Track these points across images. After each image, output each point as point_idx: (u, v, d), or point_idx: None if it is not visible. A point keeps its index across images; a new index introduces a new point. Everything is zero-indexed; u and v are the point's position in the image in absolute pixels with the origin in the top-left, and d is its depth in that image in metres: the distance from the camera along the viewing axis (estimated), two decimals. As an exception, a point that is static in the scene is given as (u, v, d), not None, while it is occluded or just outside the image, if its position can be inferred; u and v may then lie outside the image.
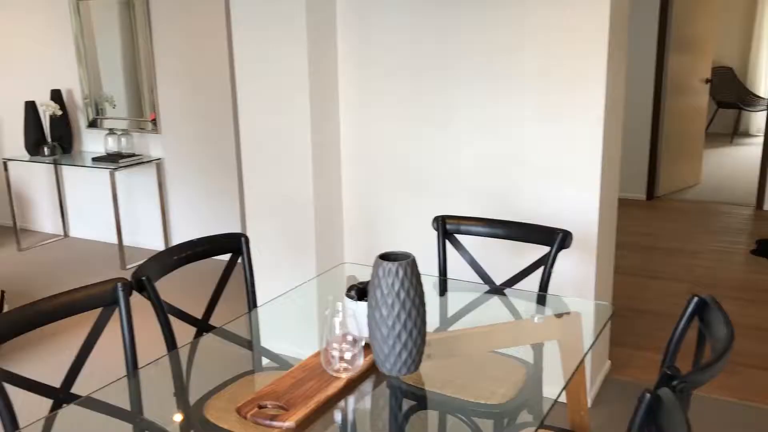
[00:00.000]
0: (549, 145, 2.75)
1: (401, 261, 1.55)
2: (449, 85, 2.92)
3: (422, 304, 1.59)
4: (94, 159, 4.86)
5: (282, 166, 3.10)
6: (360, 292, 1.72)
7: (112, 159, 4.81)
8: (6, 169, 5.17)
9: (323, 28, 3.02)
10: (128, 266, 4.79)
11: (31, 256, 5.12)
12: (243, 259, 2.25)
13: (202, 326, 2.14)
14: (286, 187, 3.11)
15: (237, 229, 4.85)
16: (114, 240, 5.37)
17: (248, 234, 3.22)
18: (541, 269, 2.28)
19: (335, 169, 3.21)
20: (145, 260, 2.00)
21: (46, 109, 5.08)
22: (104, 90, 5.12)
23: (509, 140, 2.84)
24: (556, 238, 2.23)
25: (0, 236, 5.62)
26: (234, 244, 2.25)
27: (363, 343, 1.65)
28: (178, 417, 1.68)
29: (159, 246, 5.17)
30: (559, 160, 2.74)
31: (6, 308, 3.53)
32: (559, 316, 2.21)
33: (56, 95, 5.12)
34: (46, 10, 5.18)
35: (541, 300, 2.30)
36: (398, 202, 3.15)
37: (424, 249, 3.09)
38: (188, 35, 4.65)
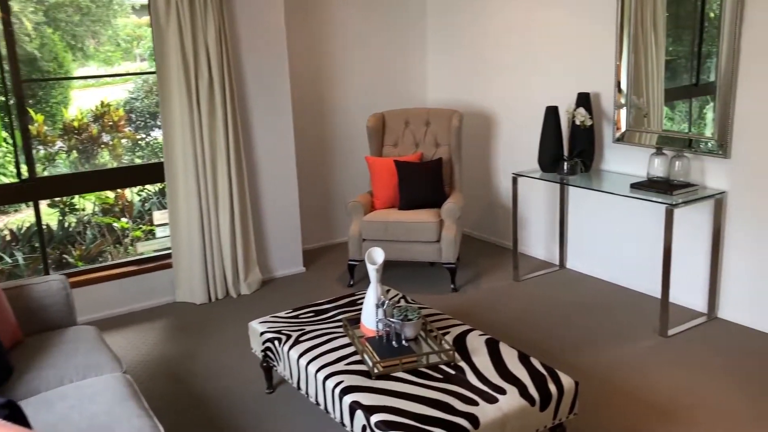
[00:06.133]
0: None
1: None
2: None
3: None
4: (634, 186, 3.76)
5: None
6: None
7: (659, 188, 3.65)
8: (515, 183, 4.40)
9: None
10: (669, 333, 3.60)
11: (530, 290, 4.29)
12: None
13: None
14: None
15: None
16: (618, 280, 4.27)
17: None
18: None
19: None
20: None
21: (571, 117, 4.16)
22: (646, 95, 3.98)
23: None
24: None
25: (496, 257, 4.96)
26: None
27: None
28: None
29: (699, 307, 3.88)
30: None
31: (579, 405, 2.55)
32: None
33: (583, 100, 4.15)
34: (584, -5, 4.24)
35: None
36: None
37: None
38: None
